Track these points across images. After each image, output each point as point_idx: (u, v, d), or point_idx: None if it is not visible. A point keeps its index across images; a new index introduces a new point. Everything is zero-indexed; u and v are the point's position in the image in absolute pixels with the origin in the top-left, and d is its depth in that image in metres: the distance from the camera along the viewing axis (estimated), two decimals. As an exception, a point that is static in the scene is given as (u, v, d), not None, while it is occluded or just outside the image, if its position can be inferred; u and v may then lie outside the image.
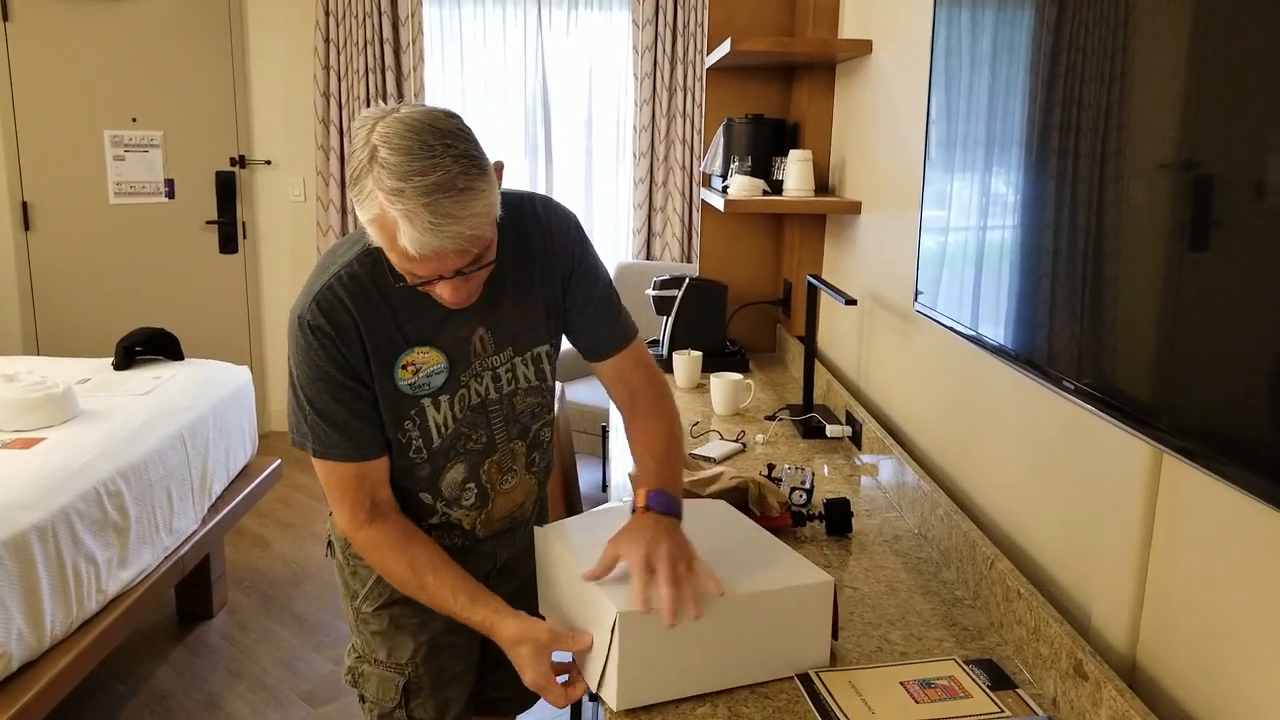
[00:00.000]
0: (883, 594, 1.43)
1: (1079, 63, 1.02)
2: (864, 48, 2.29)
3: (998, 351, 1.19)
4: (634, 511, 1.26)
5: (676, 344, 2.71)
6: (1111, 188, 0.94)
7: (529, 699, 1.61)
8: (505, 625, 1.22)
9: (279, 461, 3.25)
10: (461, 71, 4.67)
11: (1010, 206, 1.17)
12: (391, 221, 1.05)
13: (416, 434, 1.30)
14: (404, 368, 1.26)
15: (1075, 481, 1.27)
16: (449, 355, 1.28)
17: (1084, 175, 0.99)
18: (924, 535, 1.64)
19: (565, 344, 1.48)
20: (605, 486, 3.34)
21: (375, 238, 1.11)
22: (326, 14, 4.45)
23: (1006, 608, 1.30)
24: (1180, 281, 0.82)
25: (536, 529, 1.36)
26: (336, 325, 1.21)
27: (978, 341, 1.25)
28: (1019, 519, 1.44)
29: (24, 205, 4.18)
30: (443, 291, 1.14)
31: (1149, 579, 1.10)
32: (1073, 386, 1.03)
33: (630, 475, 1.72)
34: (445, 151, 1.04)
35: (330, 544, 1.49)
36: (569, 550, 1.24)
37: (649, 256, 4.72)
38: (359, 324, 1.22)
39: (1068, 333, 1.03)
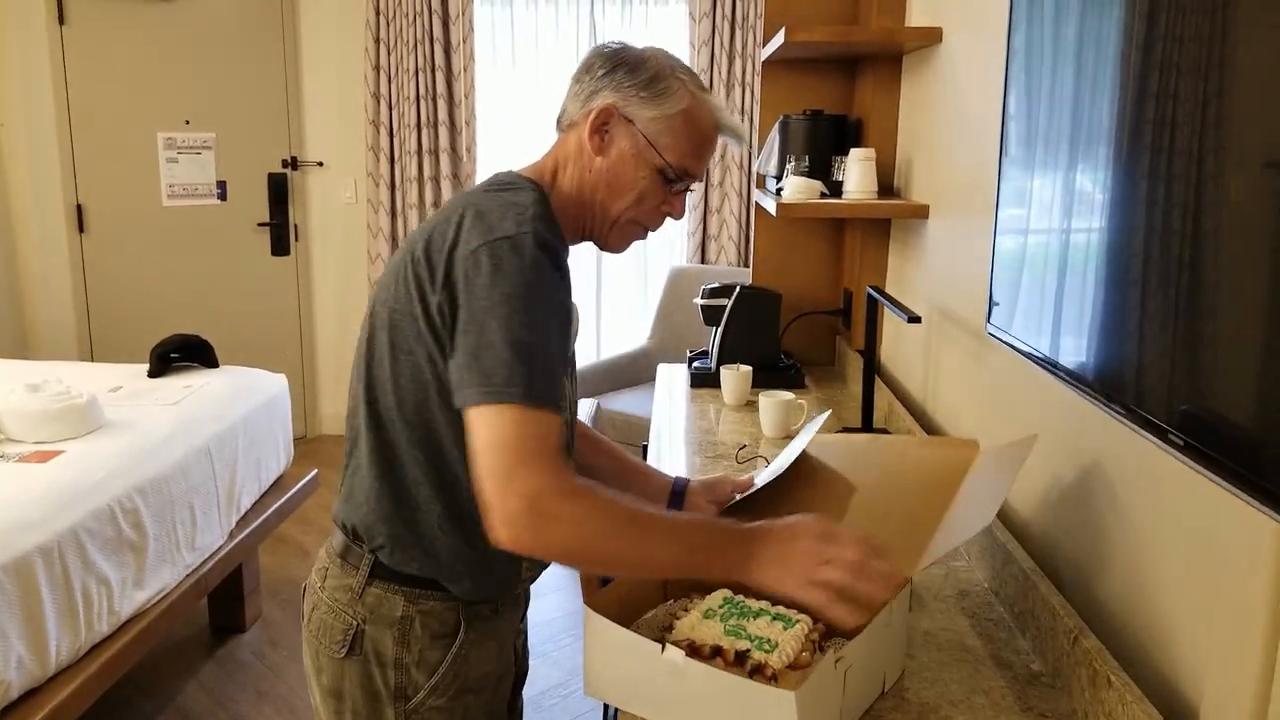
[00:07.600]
0: (946, 664, 1.23)
1: (1174, 51, 0.82)
2: (933, 36, 2.08)
3: (1087, 392, 0.99)
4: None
5: (725, 357, 2.53)
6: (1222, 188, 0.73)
7: None
8: (784, 521, 1.05)
9: (315, 471, 3.16)
10: (513, 70, 4.55)
11: (1098, 208, 0.97)
12: (706, 111, 1.21)
13: (568, 394, 1.18)
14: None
15: (1186, 550, 1.05)
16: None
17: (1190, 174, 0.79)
18: (996, 592, 1.43)
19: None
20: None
21: (668, 130, 1.18)
22: (377, 14, 4.37)
23: (1093, 695, 1.09)
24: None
25: (589, 609, 1.09)
26: (561, 244, 1.11)
27: (1060, 374, 1.05)
28: (1112, 586, 1.22)
29: (78, 208, 4.19)
30: (676, 204, 1.27)
31: (1277, 677, 0.89)
32: (1181, 442, 0.82)
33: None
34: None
35: (354, 643, 1.16)
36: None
37: (704, 260, 4.53)
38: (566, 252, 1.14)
39: (1165, 376, 0.83)
